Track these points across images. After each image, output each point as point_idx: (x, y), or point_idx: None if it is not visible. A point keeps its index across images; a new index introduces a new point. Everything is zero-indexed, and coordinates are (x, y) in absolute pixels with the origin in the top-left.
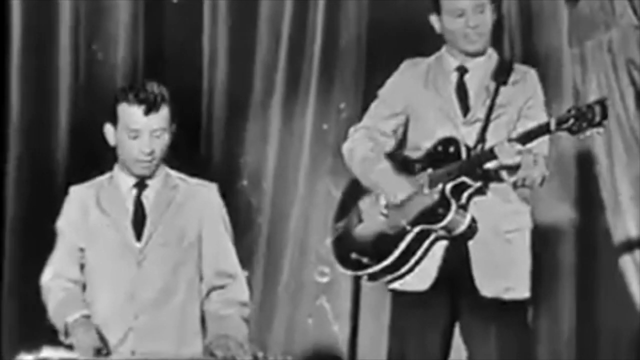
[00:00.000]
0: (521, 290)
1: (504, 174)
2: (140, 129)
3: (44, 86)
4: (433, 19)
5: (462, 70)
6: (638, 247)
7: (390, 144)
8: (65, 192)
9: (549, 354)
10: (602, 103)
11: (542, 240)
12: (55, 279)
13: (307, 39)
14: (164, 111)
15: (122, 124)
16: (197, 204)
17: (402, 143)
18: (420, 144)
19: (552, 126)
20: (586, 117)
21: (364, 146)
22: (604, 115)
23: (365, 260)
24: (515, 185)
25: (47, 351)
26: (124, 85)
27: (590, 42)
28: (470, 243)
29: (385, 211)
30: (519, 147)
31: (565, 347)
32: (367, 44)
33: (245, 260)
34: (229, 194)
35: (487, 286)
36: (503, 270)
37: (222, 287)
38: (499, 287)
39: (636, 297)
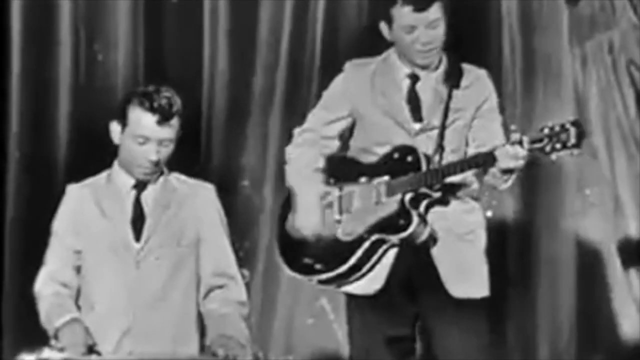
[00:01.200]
0: (484, 289)
1: (498, 178)
2: (149, 137)
3: (44, 86)
4: (382, 26)
5: (413, 78)
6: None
7: (335, 145)
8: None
9: (550, 354)
10: (577, 124)
11: (544, 240)
12: (47, 283)
13: (307, 39)
14: (175, 122)
15: (131, 127)
16: (196, 205)
17: (346, 143)
18: (371, 148)
19: (525, 145)
20: (559, 138)
21: (303, 158)
22: (580, 136)
23: (318, 266)
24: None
25: (48, 352)
26: (140, 88)
27: (590, 42)
28: (434, 248)
29: (338, 217)
30: (520, 150)
31: (566, 348)
32: (367, 46)
33: (247, 260)
34: (230, 194)
35: (456, 287)
36: (467, 271)
37: (220, 287)
38: (467, 287)
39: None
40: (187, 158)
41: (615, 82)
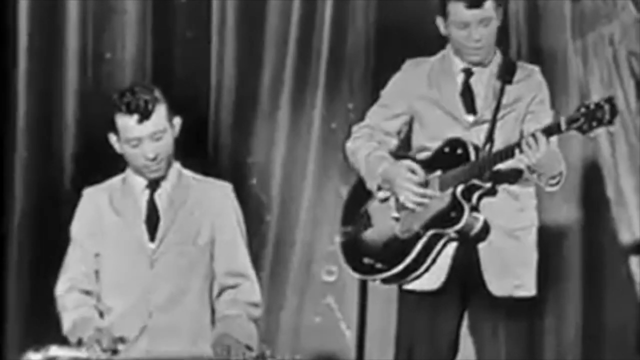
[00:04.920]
0: (529, 288)
1: (526, 168)
2: (138, 137)
3: (51, 87)
4: (439, 20)
5: (468, 73)
6: None
7: (393, 144)
8: (72, 194)
9: (555, 353)
10: (610, 101)
11: (549, 239)
12: (70, 291)
13: (315, 39)
14: (159, 112)
15: (121, 134)
16: (211, 203)
17: (406, 143)
18: (426, 144)
19: (563, 125)
20: (596, 115)
21: (368, 145)
22: (614, 113)
23: (378, 265)
24: (531, 172)
25: (55, 350)
26: (116, 94)
27: (591, 34)
28: (480, 243)
29: (396, 215)
30: (543, 139)
31: (571, 346)
32: (374, 44)
33: (254, 258)
34: (238, 193)
35: (497, 285)
36: (512, 269)
37: (233, 287)
38: (509, 286)
39: None
40: (195, 157)
41: (616, 73)
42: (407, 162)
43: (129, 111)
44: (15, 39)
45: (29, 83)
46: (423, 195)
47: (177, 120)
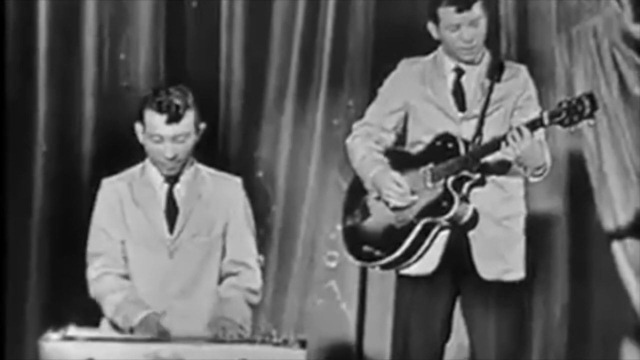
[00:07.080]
0: (517, 272)
1: (512, 159)
2: (162, 135)
3: (70, 84)
4: (430, 26)
5: (459, 72)
6: (626, 233)
7: (391, 139)
8: (90, 185)
9: (543, 335)
10: (590, 96)
11: (537, 226)
12: (105, 276)
13: (317, 40)
14: (188, 117)
15: (147, 128)
16: (225, 196)
17: (402, 138)
18: (420, 139)
19: (545, 120)
20: (576, 110)
21: (364, 145)
22: (594, 107)
23: (377, 252)
24: (517, 165)
25: (73, 330)
26: (151, 89)
27: (576, 27)
28: (471, 231)
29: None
30: (527, 132)
31: (558, 328)
32: (374, 44)
33: (261, 246)
34: (245, 185)
35: (486, 270)
36: (500, 254)
37: (234, 274)
38: (498, 270)
39: (625, 281)
40: (205, 151)
41: (599, 65)
42: (394, 174)
43: (160, 110)
44: (35, 39)
45: (49, 82)
46: (406, 201)
47: (202, 126)
